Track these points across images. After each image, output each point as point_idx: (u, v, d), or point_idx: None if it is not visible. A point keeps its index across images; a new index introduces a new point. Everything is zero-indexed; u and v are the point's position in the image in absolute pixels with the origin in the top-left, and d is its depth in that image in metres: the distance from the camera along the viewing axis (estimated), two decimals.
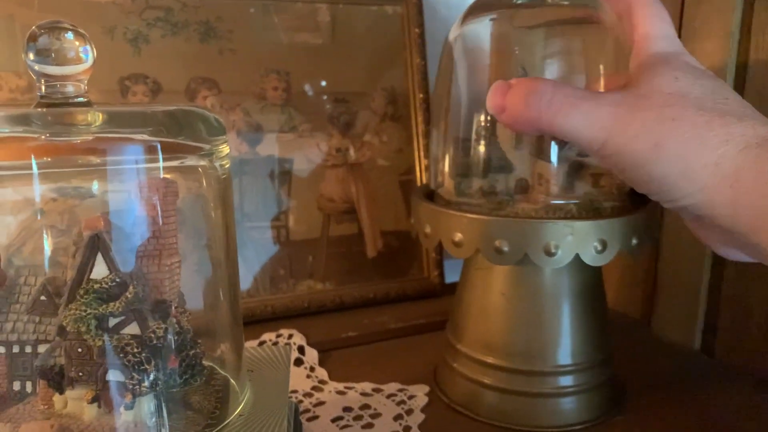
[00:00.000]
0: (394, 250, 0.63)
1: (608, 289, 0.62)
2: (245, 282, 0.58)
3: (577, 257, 0.37)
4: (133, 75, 0.55)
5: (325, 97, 0.61)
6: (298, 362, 0.50)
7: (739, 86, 0.49)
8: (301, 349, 0.51)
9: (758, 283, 0.48)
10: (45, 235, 0.29)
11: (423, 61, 0.64)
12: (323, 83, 0.61)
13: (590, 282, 0.42)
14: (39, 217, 0.29)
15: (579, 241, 0.37)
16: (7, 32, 0.53)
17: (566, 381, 0.41)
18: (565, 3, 0.40)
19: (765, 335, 0.48)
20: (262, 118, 0.59)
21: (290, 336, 0.52)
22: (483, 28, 0.41)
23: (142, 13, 0.56)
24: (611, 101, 0.31)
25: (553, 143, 0.39)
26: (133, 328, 0.28)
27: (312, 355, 0.50)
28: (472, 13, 0.42)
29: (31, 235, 0.31)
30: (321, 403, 0.45)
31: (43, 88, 0.28)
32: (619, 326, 0.58)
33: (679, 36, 0.53)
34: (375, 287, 0.62)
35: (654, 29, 0.33)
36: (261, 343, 0.52)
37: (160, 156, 0.27)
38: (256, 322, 0.56)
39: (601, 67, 0.40)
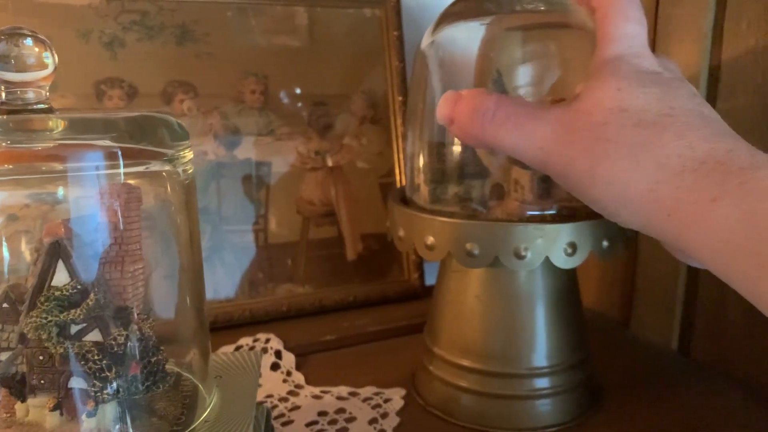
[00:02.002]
0: (375, 253, 0.63)
1: (587, 291, 0.62)
2: (224, 286, 0.58)
3: (548, 260, 0.37)
4: (108, 79, 0.55)
5: (303, 101, 0.61)
6: (275, 367, 0.50)
7: (713, 87, 0.49)
8: (278, 354, 0.51)
9: None
10: (3, 242, 0.29)
11: (402, 63, 0.64)
12: (302, 86, 0.61)
13: (564, 284, 0.42)
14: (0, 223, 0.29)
15: (549, 244, 0.37)
16: None
17: (542, 383, 0.41)
18: (541, 8, 0.40)
19: (740, 336, 0.48)
20: (239, 122, 0.59)
21: (267, 340, 0.52)
22: (456, 35, 0.42)
23: (117, 17, 0.56)
24: (552, 118, 0.30)
25: None
26: (95, 335, 0.28)
27: (289, 360, 0.50)
28: (444, 20, 0.42)
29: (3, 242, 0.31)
30: (296, 408, 0.44)
31: (3, 94, 0.27)
32: (598, 327, 0.58)
33: (654, 38, 0.53)
34: (355, 290, 0.62)
35: (613, 28, 0.31)
36: (238, 348, 0.52)
37: (121, 162, 0.27)
38: (234, 326, 0.56)
39: (580, 71, 0.40)
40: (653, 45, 0.53)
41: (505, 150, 0.32)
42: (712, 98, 0.49)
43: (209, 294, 0.57)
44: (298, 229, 0.61)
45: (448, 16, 0.42)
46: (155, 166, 0.29)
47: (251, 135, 0.59)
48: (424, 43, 0.43)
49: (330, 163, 0.62)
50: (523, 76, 0.41)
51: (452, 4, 0.42)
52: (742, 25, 0.47)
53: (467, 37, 0.42)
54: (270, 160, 0.60)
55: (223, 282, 0.58)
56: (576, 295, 0.44)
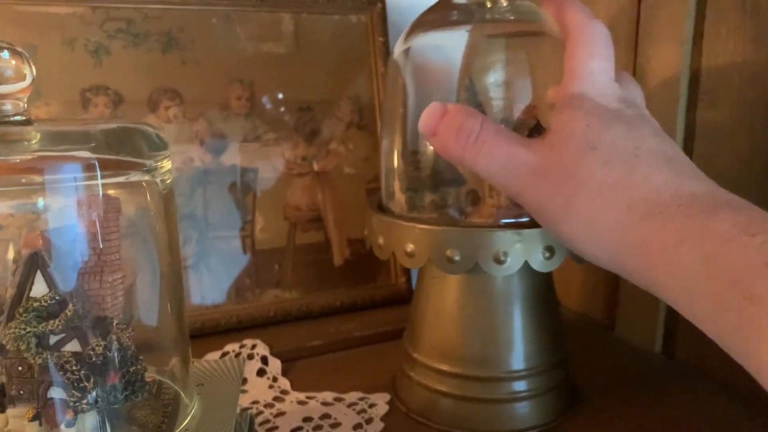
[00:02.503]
0: (362, 258, 0.64)
1: (573, 294, 0.63)
2: (211, 292, 0.58)
3: (526, 264, 0.38)
4: (94, 86, 0.55)
5: (289, 106, 0.62)
6: (261, 373, 0.50)
7: (693, 91, 0.50)
8: (264, 360, 0.51)
9: None
10: None
11: None
12: (288, 92, 0.61)
13: (541, 287, 0.42)
14: None
15: (527, 249, 0.37)
16: None
17: (520, 386, 0.42)
18: (511, 17, 0.41)
19: None
20: (226, 128, 0.59)
21: (254, 346, 0.52)
22: (428, 44, 0.42)
23: (102, 25, 0.56)
24: (529, 150, 0.31)
25: None
26: (74, 346, 0.28)
27: (275, 366, 0.51)
28: (415, 29, 0.42)
29: None
30: (281, 414, 0.45)
31: None
32: (583, 330, 0.59)
33: (636, 40, 0.53)
34: (342, 295, 0.62)
35: (578, 64, 0.33)
36: (224, 354, 0.52)
37: (98, 173, 0.27)
38: (221, 332, 0.56)
39: (549, 76, 0.41)
40: (635, 47, 0.54)
41: (481, 174, 0.33)
42: (693, 102, 0.50)
43: (196, 300, 0.57)
44: (285, 235, 0.61)
45: (420, 26, 0.42)
46: (134, 177, 0.30)
47: (237, 141, 0.60)
48: (397, 51, 0.43)
49: (317, 168, 0.63)
50: (494, 82, 0.41)
51: (423, 14, 0.43)
52: (722, 29, 0.47)
53: (439, 45, 0.42)
54: (256, 166, 0.61)
55: (209, 288, 0.58)
56: (552, 297, 0.44)
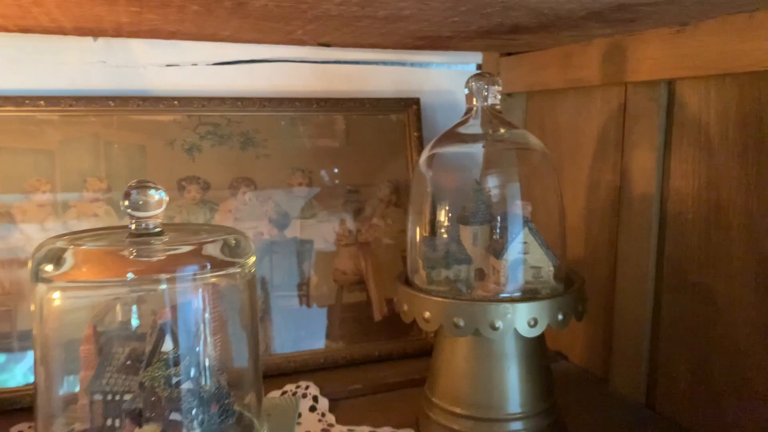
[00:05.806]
0: (397, 315, 0.75)
1: (576, 349, 0.73)
2: (273, 341, 0.71)
3: (516, 330, 0.49)
4: (188, 177, 0.70)
5: (339, 189, 0.76)
6: (312, 409, 0.62)
7: (666, 188, 0.60)
8: (315, 398, 0.64)
9: (683, 347, 0.59)
10: (133, 316, 0.43)
11: None
12: (339, 178, 0.76)
13: (533, 346, 0.53)
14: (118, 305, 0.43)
15: (516, 319, 0.49)
16: (93, 146, 0.68)
17: (517, 426, 0.53)
18: (506, 137, 0.54)
19: (689, 392, 0.59)
20: (289, 208, 0.73)
21: (307, 387, 0.65)
22: (447, 153, 0.56)
23: (196, 129, 0.71)
24: None
25: (501, 243, 0.52)
26: (188, 384, 0.41)
27: (324, 404, 0.63)
28: (438, 143, 0.57)
29: (109, 309, 0.46)
30: None
31: (133, 225, 0.42)
32: (583, 383, 0.69)
33: (622, 145, 0.65)
34: (380, 346, 0.74)
35: None
36: (283, 393, 0.65)
37: (209, 270, 0.41)
38: (280, 375, 0.69)
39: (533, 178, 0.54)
40: (622, 150, 0.65)
41: None
42: (665, 198, 0.61)
43: (261, 348, 0.70)
44: (334, 295, 0.75)
45: (438, 143, 0.56)
46: (231, 270, 0.44)
47: (298, 218, 0.74)
48: (422, 158, 0.57)
49: (360, 239, 0.76)
50: (494, 184, 0.54)
51: (438, 139, 0.56)
52: (684, 140, 0.58)
53: (455, 155, 0.55)
54: (312, 238, 0.74)
55: (272, 338, 0.71)
56: (543, 354, 0.55)
